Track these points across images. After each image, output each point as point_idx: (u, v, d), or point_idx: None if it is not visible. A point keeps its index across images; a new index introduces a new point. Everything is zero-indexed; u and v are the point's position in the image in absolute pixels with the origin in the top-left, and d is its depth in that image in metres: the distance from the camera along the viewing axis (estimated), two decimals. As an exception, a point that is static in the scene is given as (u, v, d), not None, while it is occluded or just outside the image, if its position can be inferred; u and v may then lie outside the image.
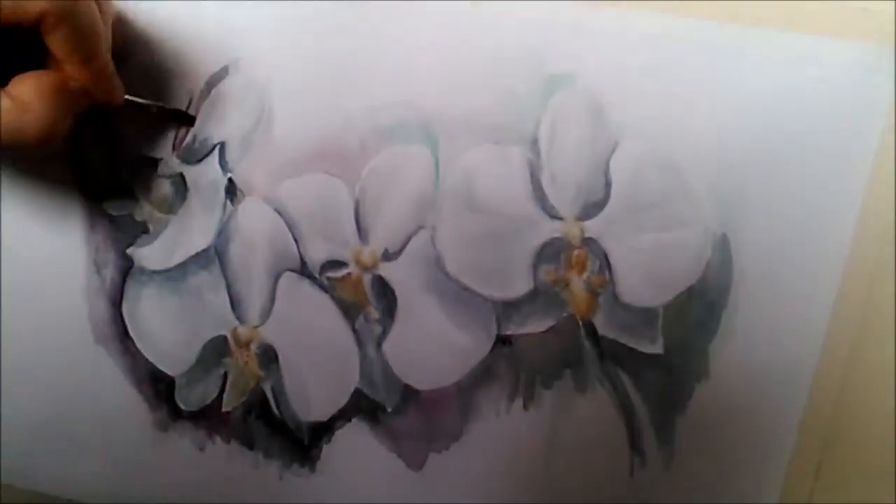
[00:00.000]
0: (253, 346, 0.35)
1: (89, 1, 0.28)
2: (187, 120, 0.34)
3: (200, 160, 0.34)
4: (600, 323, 0.33)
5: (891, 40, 0.30)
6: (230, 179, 0.34)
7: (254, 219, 0.34)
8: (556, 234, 0.33)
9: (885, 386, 0.32)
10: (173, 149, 0.34)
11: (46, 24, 0.27)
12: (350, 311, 0.34)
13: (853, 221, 0.31)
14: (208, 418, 0.36)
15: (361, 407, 0.35)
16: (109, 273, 0.35)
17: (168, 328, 0.35)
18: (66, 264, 0.35)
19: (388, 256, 0.34)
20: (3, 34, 0.27)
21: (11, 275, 0.36)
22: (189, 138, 0.34)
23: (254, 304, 0.35)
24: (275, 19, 0.33)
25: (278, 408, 0.35)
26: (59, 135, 0.29)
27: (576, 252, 0.33)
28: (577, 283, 0.33)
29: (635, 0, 0.31)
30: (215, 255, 0.35)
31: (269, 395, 0.35)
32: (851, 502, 0.32)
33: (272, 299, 0.34)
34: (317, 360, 0.35)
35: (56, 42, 0.28)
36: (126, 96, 0.32)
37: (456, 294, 0.33)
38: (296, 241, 0.34)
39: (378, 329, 0.34)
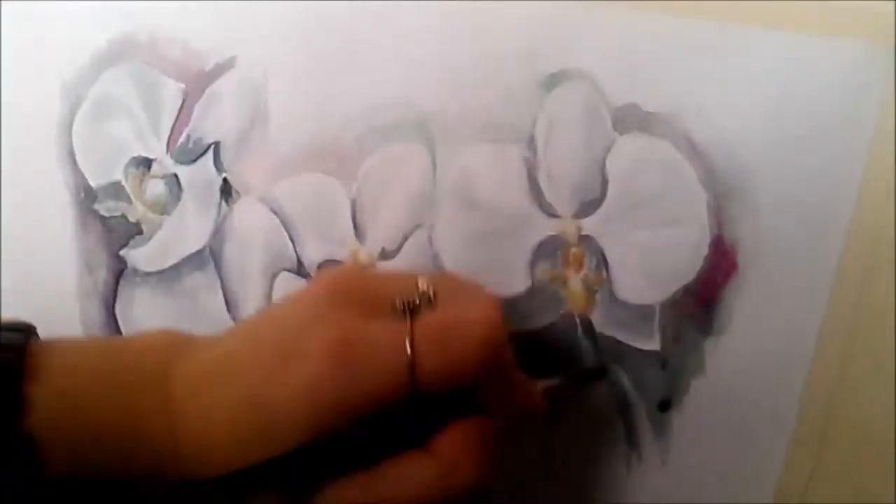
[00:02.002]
0: (249, 347, 0.35)
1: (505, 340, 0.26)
2: (600, 374, 0.33)
3: (195, 160, 0.34)
4: (597, 320, 0.33)
5: (887, 39, 0.30)
6: (225, 179, 0.34)
7: (249, 219, 0.34)
8: (554, 232, 0.33)
9: (880, 382, 0.32)
10: (167, 149, 0.34)
11: (476, 383, 0.26)
12: (347, 310, 0.34)
13: (848, 218, 0.31)
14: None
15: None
16: (102, 275, 0.35)
17: (163, 330, 0.35)
18: (58, 266, 0.35)
19: (385, 256, 0.34)
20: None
21: (2, 277, 0.35)
22: (183, 138, 0.34)
23: (250, 304, 0.34)
24: (271, 18, 0.33)
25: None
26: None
27: (573, 250, 0.33)
28: (575, 281, 0.33)
29: (633, 0, 0.31)
30: (210, 255, 0.34)
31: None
32: (846, 497, 0.33)
33: (268, 300, 0.34)
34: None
35: (484, 393, 0.26)
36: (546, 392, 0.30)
37: (453, 293, 0.33)
38: (292, 241, 0.34)
39: (375, 328, 0.34)
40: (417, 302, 0.25)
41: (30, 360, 0.24)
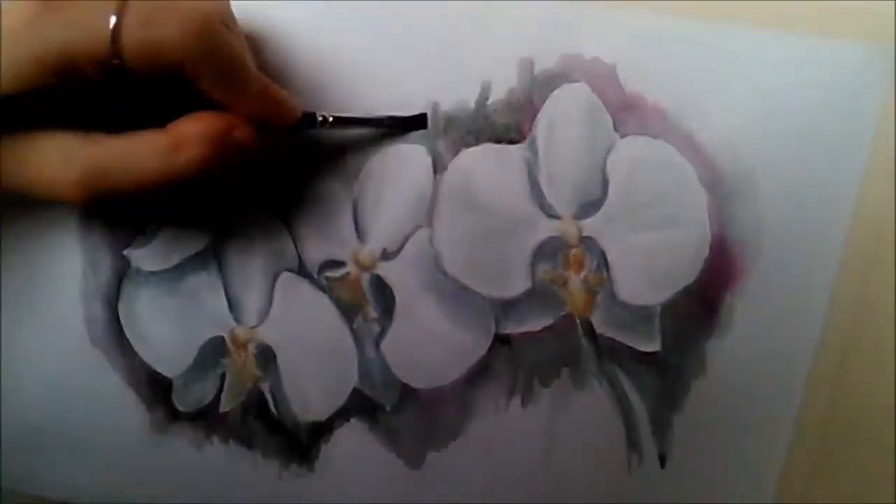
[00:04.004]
0: (251, 347, 0.35)
1: (223, 32, 0.27)
2: (420, 123, 0.33)
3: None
4: (598, 321, 0.33)
5: (887, 39, 0.30)
6: (227, 180, 0.34)
7: (251, 219, 0.34)
8: (554, 233, 0.33)
9: (881, 384, 0.32)
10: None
11: (189, 72, 0.26)
12: (348, 310, 0.34)
13: (848, 219, 0.31)
14: (206, 419, 0.36)
15: (360, 406, 0.35)
16: (105, 274, 0.35)
17: (165, 329, 0.35)
18: (62, 266, 0.35)
19: (386, 256, 0.34)
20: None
21: (6, 276, 0.35)
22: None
23: (252, 304, 0.35)
24: (273, 19, 0.33)
25: (276, 408, 0.35)
26: (205, 175, 0.28)
27: (573, 251, 0.33)
28: (575, 282, 0.33)
29: (633, 0, 0.31)
30: (213, 255, 0.35)
31: (268, 396, 0.35)
32: (847, 498, 0.33)
33: (270, 300, 0.34)
34: (315, 360, 0.35)
35: (206, 86, 0.27)
36: (337, 114, 0.31)
37: (454, 293, 0.33)
38: (293, 240, 0.34)
39: (376, 329, 0.34)
40: None
41: None
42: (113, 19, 0.24)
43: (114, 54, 0.25)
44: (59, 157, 0.26)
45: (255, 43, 0.32)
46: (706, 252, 0.32)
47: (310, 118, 0.31)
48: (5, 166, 0.27)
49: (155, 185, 0.27)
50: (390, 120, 0.33)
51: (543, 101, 0.32)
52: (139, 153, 0.27)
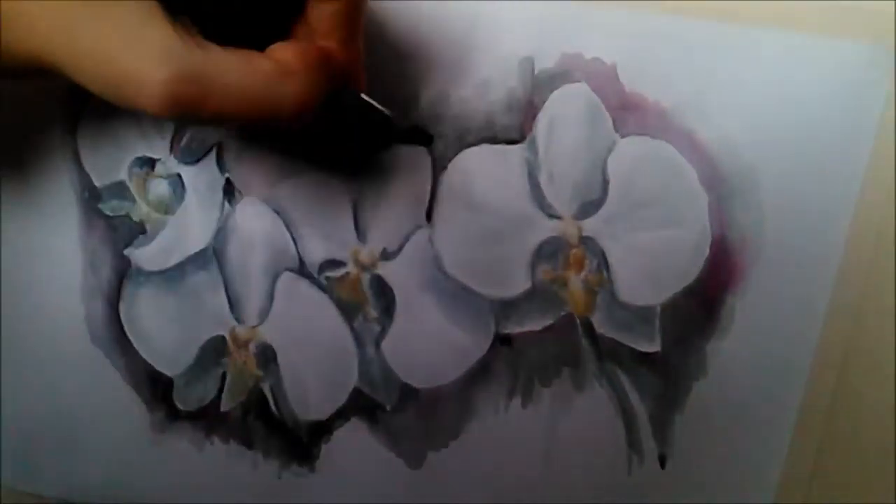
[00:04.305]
0: (251, 346, 0.35)
1: None
2: (423, 139, 0.32)
3: (198, 160, 0.34)
4: (598, 321, 0.33)
5: (887, 39, 0.30)
6: (228, 180, 0.34)
7: (252, 219, 0.34)
8: (554, 233, 0.33)
9: (881, 384, 0.32)
10: (171, 149, 0.34)
11: None
12: (349, 310, 0.34)
13: (849, 220, 0.31)
14: (207, 418, 0.36)
15: (360, 406, 0.35)
16: (106, 274, 0.35)
17: (166, 328, 0.35)
18: (63, 265, 0.35)
19: (386, 256, 0.34)
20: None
21: (7, 276, 0.35)
22: (186, 139, 0.34)
23: (252, 303, 0.35)
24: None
25: (277, 407, 0.35)
26: (311, 112, 0.24)
27: (574, 251, 0.33)
28: (575, 282, 0.33)
29: (634, 0, 0.31)
30: (213, 255, 0.35)
31: (268, 395, 0.35)
32: (847, 499, 0.32)
33: (270, 299, 0.34)
34: (315, 359, 0.35)
35: (327, 11, 0.25)
36: (363, 94, 0.28)
37: (454, 293, 0.33)
38: (294, 240, 0.34)
39: (377, 328, 0.34)
40: None
41: None
42: None
43: None
44: (155, 45, 0.21)
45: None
46: (706, 252, 0.32)
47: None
48: (78, 36, 0.21)
49: (250, 118, 0.23)
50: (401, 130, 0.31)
51: (543, 101, 0.32)
52: (243, 72, 0.23)
